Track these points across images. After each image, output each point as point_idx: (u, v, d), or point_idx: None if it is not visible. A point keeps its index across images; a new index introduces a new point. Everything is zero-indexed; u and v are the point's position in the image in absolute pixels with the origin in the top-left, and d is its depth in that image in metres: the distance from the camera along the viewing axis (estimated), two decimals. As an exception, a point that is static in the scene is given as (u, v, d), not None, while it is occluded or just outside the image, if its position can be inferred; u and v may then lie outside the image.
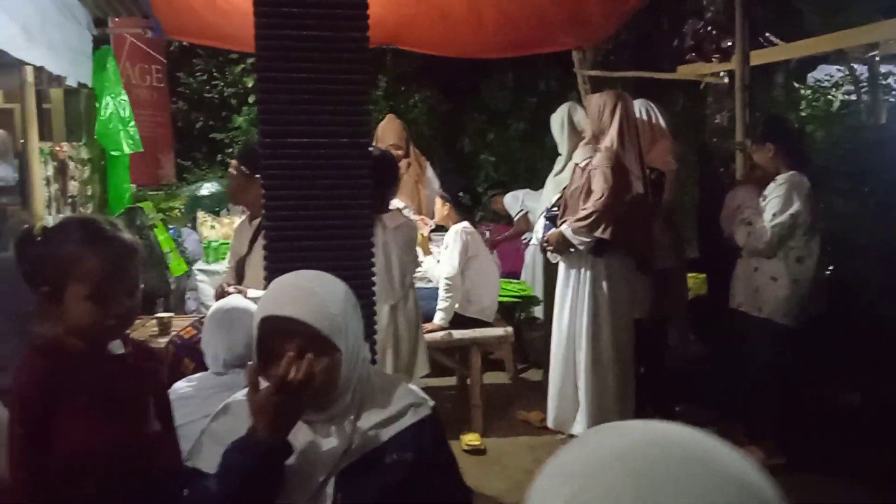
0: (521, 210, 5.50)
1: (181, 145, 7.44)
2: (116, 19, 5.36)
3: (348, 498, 1.49)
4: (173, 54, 7.25)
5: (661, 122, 4.01)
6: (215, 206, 6.13)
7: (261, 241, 3.54)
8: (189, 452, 1.62)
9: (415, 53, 5.96)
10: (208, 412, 2.33)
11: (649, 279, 3.75)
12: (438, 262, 4.19)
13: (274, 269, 1.93)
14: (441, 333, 3.94)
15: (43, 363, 1.47)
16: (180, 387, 2.42)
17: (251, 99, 7.34)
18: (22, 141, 4.06)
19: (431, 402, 1.66)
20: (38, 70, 4.03)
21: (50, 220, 4.16)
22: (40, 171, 4.01)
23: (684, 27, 6.48)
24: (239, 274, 3.66)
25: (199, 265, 4.64)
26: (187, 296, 4.97)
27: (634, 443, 0.58)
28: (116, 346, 1.59)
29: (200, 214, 4.87)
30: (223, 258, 4.43)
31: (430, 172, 5.32)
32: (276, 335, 1.43)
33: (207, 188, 6.63)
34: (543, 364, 4.72)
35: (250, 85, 7.28)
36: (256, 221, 3.60)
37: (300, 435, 1.50)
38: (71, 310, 1.48)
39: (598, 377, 3.58)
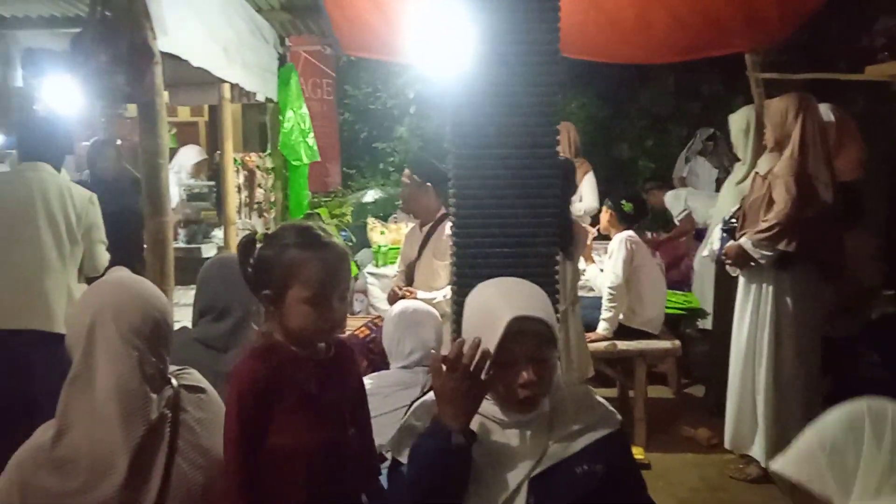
0: (685, 210, 5.31)
1: (346, 154, 7.86)
2: (295, 38, 5.76)
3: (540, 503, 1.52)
4: (341, 69, 7.67)
5: (852, 127, 3.74)
6: (378, 213, 6.43)
7: (430, 247, 3.72)
8: (389, 444, 1.73)
9: (574, 60, 5.93)
10: (390, 408, 2.48)
11: (839, 293, 3.51)
12: (602, 270, 4.15)
13: (461, 275, 2.00)
14: (604, 343, 3.89)
15: (259, 368, 1.53)
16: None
17: (412, 109, 7.60)
18: (218, 152, 4.45)
19: (619, 416, 1.67)
20: (233, 87, 4.41)
21: (239, 224, 4.54)
22: (233, 179, 4.37)
23: (875, 25, 6.01)
24: (408, 277, 3.82)
25: (369, 268, 4.88)
26: (355, 297, 5.23)
27: None
28: (320, 347, 1.65)
29: (370, 220, 5.13)
30: (392, 262, 4.62)
31: (587, 182, 5.27)
32: (517, 335, 1.49)
33: (371, 195, 6.96)
34: (709, 380, 4.54)
35: (411, 96, 7.55)
36: (427, 227, 3.75)
37: (497, 438, 1.56)
38: (290, 312, 1.53)
39: (780, 397, 3.37)
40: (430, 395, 1.71)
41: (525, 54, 1.89)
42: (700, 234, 5.14)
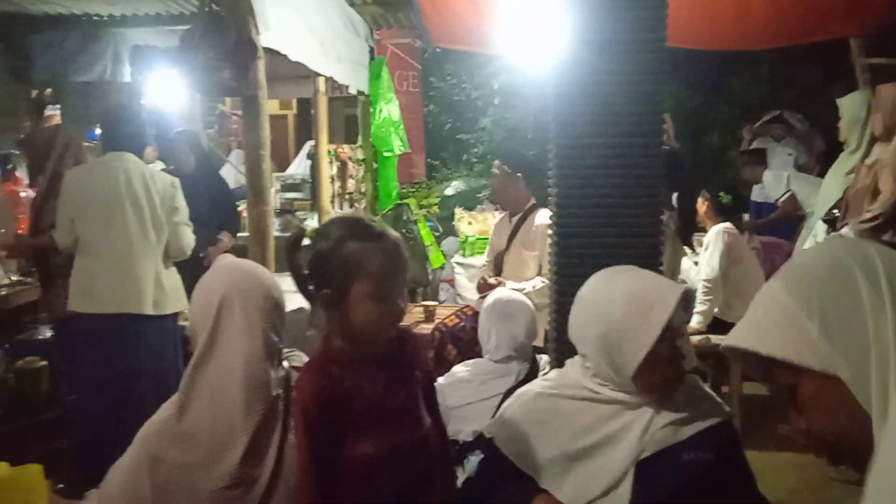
0: (787, 191, 5.10)
1: (430, 145, 7.93)
2: (383, 31, 5.85)
3: (645, 488, 1.53)
4: (426, 60, 7.74)
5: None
6: (461, 204, 6.47)
7: (519, 237, 3.72)
8: (489, 428, 1.75)
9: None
10: (484, 396, 2.52)
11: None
12: (696, 263, 4.06)
13: (562, 265, 2.01)
14: (698, 337, 3.81)
15: (320, 381, 1.47)
16: (458, 370, 2.61)
17: (496, 100, 7.61)
18: (313, 143, 4.57)
19: (727, 408, 1.65)
20: (327, 80, 4.52)
21: (333, 214, 4.66)
22: (327, 170, 4.49)
23: None
24: (496, 267, 3.83)
25: (457, 258, 4.93)
26: (440, 286, 5.30)
27: None
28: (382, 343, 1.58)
29: (458, 210, 5.18)
30: (479, 252, 4.65)
31: None
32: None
33: (454, 187, 7.00)
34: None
35: (496, 87, 7.56)
36: (516, 218, 3.76)
37: (606, 421, 1.57)
38: (355, 310, 1.46)
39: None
40: (533, 389, 1.73)
41: (631, 42, 1.87)
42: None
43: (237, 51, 3.01)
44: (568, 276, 1.83)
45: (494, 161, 3.86)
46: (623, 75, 1.88)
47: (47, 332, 4.08)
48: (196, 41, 3.02)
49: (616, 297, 1.55)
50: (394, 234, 1.52)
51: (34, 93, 5.07)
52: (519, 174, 3.70)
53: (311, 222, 4.81)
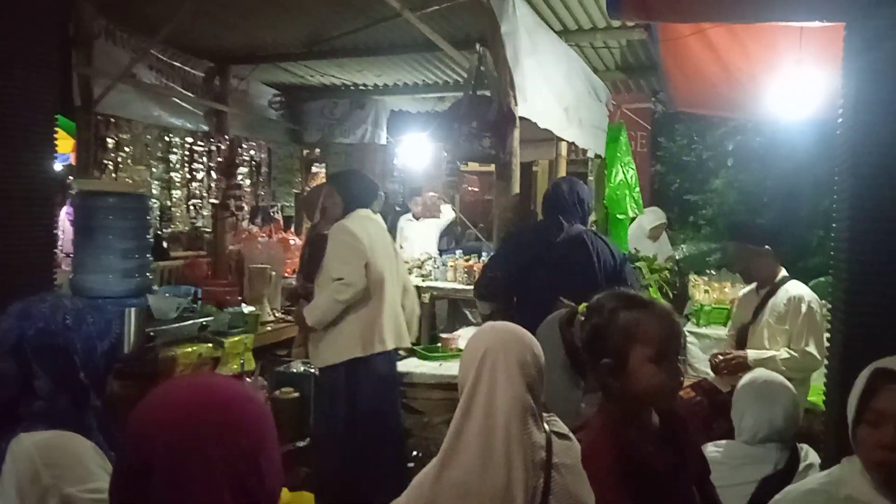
0: None
1: (654, 205, 7.78)
2: (617, 95, 5.90)
3: None
4: (656, 121, 7.67)
5: None
6: (688, 268, 6.20)
7: (767, 311, 3.52)
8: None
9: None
10: (737, 481, 2.39)
11: None
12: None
13: (849, 348, 1.90)
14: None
15: (617, 438, 1.50)
16: (709, 450, 2.50)
17: (730, 162, 7.32)
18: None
19: None
20: (568, 144, 4.64)
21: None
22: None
23: None
24: (739, 340, 3.64)
25: (689, 327, 4.73)
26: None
27: None
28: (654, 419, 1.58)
29: (693, 277, 5.00)
30: (715, 322, 4.44)
31: None
32: (886, 393, 1.43)
33: (682, 250, 6.78)
34: None
35: (730, 148, 7.29)
36: (764, 290, 3.56)
37: None
38: (636, 375, 1.48)
39: None
40: (799, 485, 1.64)
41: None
42: None
43: (499, 121, 3.21)
44: (854, 358, 1.72)
45: (731, 243, 3.70)
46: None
47: (301, 366, 4.44)
48: (462, 112, 3.26)
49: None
50: (663, 302, 1.61)
51: (305, 152, 5.75)
52: (766, 247, 3.53)
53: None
